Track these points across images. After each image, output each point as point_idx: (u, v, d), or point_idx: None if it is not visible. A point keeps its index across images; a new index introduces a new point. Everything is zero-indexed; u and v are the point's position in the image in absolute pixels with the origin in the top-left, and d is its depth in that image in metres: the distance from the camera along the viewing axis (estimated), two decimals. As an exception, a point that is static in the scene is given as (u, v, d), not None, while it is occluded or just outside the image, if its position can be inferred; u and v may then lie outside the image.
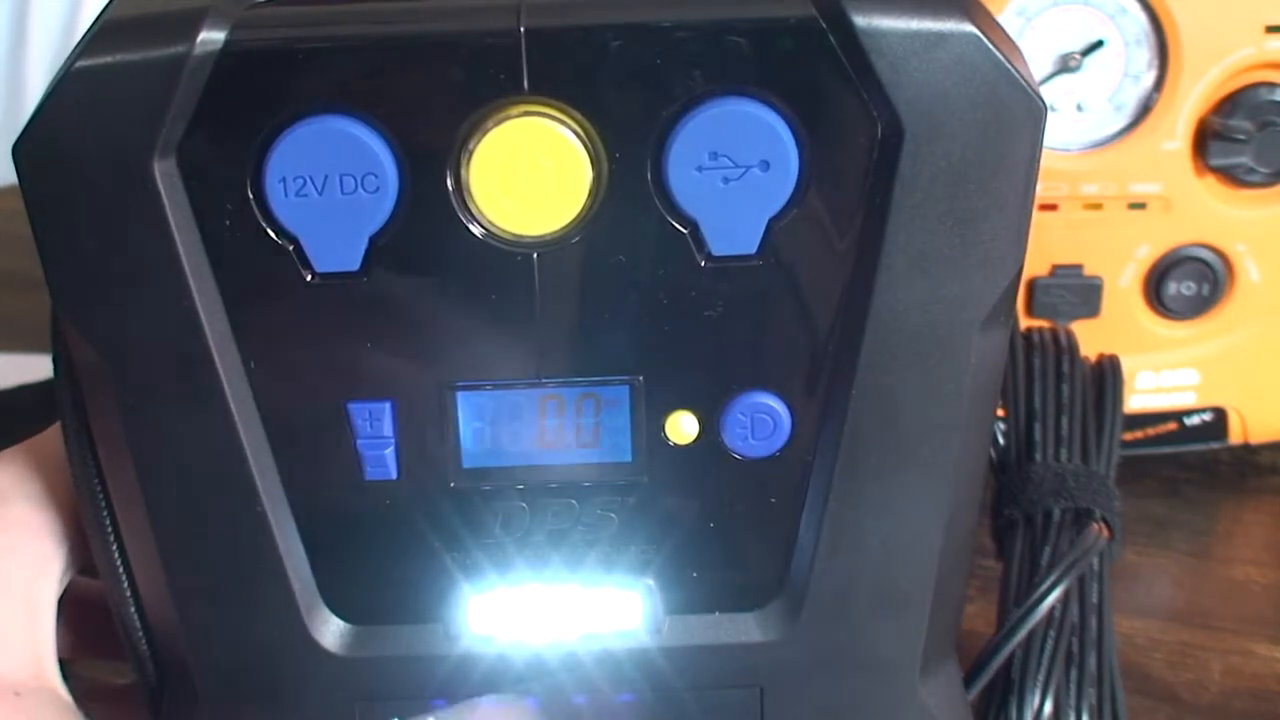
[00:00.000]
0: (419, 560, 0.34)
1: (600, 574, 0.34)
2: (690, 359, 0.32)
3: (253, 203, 0.30)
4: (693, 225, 0.31)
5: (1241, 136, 0.51)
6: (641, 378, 0.32)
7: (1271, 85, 0.52)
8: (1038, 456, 0.44)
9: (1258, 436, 0.57)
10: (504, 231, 0.31)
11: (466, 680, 0.35)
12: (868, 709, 0.36)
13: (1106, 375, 0.46)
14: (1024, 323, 0.50)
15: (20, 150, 0.30)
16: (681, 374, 0.32)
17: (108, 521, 0.34)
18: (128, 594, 0.35)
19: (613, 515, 0.34)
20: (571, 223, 0.31)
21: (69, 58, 0.30)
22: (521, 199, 0.30)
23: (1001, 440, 0.45)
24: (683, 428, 0.33)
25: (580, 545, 0.34)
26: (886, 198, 0.30)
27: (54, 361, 0.34)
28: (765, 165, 0.30)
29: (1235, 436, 0.57)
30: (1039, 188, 0.58)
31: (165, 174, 0.30)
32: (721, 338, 0.32)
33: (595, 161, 0.30)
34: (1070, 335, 0.47)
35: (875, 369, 0.32)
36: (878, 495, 0.33)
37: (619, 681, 0.33)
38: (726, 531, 0.34)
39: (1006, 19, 0.52)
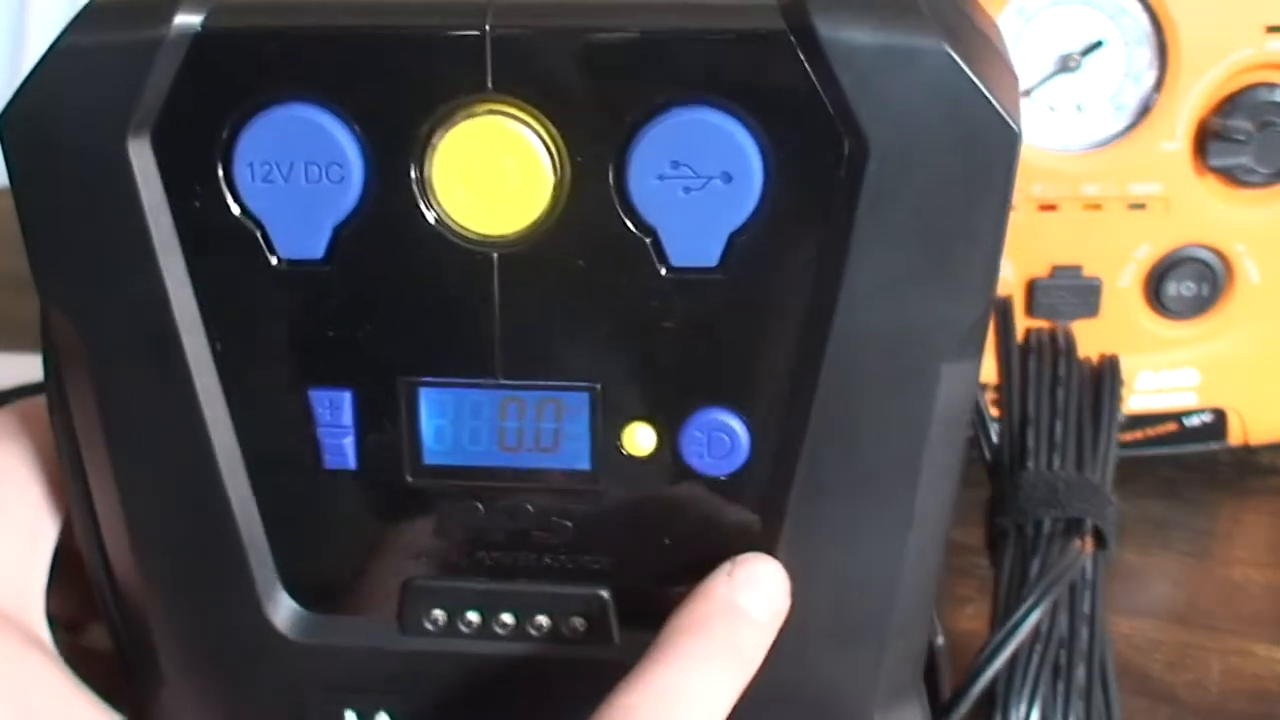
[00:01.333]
0: (374, 552, 0.34)
1: (554, 581, 0.34)
2: (648, 370, 0.32)
3: (223, 185, 0.31)
4: (653, 234, 0.30)
5: (1241, 137, 0.51)
6: (600, 386, 0.32)
7: (1271, 85, 0.51)
8: (1030, 464, 0.43)
9: (1258, 437, 0.57)
10: (465, 229, 0.31)
11: (416, 676, 0.35)
12: None
13: (1105, 378, 0.45)
14: (1024, 323, 0.49)
15: (4, 122, 0.31)
16: (640, 385, 0.32)
17: (86, 500, 0.35)
18: (103, 570, 0.35)
19: (568, 523, 0.33)
20: (533, 225, 0.31)
21: (56, 37, 0.30)
22: (482, 197, 0.30)
23: (996, 440, 0.45)
24: (639, 440, 0.32)
25: (535, 550, 0.34)
26: (850, 217, 0.30)
27: (41, 338, 0.34)
28: (727, 177, 0.30)
29: (1235, 437, 0.57)
30: (1039, 188, 0.57)
31: (139, 153, 0.30)
32: (680, 350, 0.31)
33: (557, 164, 0.30)
34: (1069, 336, 0.46)
35: (835, 393, 0.31)
36: (834, 525, 0.32)
37: (570, 688, 0.33)
38: (683, 548, 0.33)
39: (1006, 19, 0.52)
